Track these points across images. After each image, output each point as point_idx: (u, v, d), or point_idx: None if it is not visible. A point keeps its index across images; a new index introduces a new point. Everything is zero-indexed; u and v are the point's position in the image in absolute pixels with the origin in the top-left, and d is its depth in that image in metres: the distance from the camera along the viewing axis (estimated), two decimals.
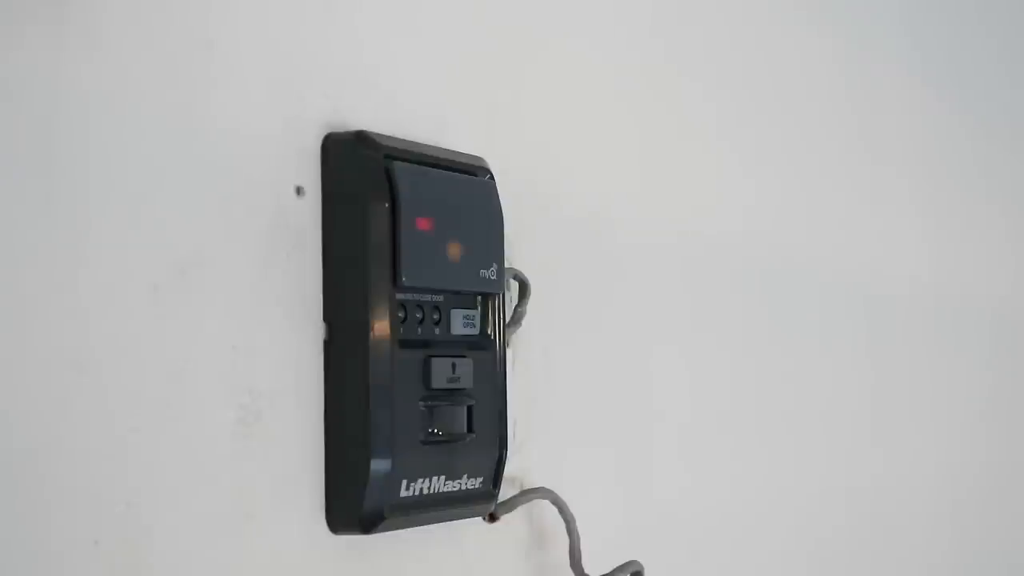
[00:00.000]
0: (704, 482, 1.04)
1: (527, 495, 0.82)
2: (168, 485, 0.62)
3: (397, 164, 0.71)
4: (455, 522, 0.77)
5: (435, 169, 0.74)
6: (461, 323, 0.76)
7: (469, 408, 0.76)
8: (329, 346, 0.70)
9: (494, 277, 0.77)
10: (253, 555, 0.66)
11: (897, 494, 1.34)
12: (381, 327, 0.70)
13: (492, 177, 0.78)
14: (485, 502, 0.78)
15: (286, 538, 0.68)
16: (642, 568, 0.88)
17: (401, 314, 0.72)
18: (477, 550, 0.81)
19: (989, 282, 1.56)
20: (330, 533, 0.70)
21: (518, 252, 0.83)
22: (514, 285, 0.82)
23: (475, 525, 0.80)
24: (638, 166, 0.98)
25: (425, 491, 0.72)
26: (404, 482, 0.71)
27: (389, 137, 0.72)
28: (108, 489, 0.60)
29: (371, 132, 0.71)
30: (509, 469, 0.79)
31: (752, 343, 1.11)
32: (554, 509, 0.84)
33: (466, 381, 0.75)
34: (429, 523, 0.75)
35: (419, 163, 0.73)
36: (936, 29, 1.46)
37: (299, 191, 0.69)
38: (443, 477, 0.74)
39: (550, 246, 0.87)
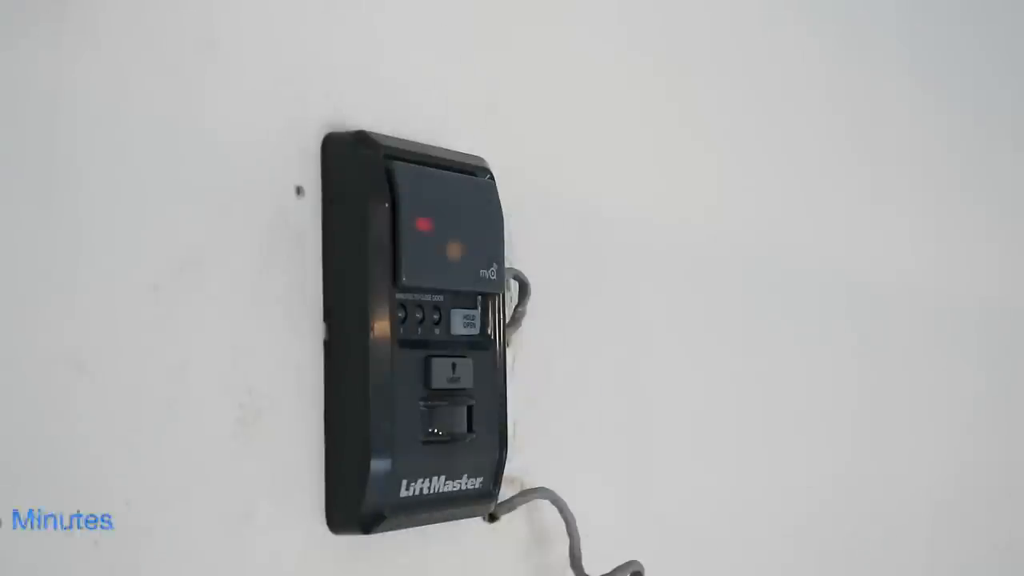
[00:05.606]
0: (704, 482, 1.04)
1: (527, 495, 0.82)
2: (168, 485, 0.62)
3: (397, 164, 0.71)
4: (455, 522, 0.77)
5: (435, 169, 0.74)
6: (461, 323, 0.76)
7: (469, 408, 0.76)
8: (329, 346, 0.70)
9: (494, 277, 0.77)
10: (253, 555, 0.66)
11: (897, 494, 1.34)
12: (381, 327, 0.70)
13: (492, 177, 0.78)
14: (485, 502, 0.78)
15: (286, 538, 0.68)
16: (642, 568, 0.87)
17: (401, 314, 0.72)
18: (477, 550, 0.81)
19: (989, 282, 1.55)
20: (330, 533, 0.70)
21: (518, 252, 0.83)
22: (514, 285, 0.82)
23: (475, 525, 0.80)
24: (639, 166, 0.98)
25: (425, 491, 0.72)
26: (404, 482, 0.71)
27: (389, 137, 0.72)
28: (108, 489, 0.60)
29: (371, 132, 0.71)
30: (509, 469, 0.79)
31: (752, 342, 1.10)
32: (554, 509, 0.84)
33: (466, 381, 0.75)
34: (429, 523, 0.75)
35: (419, 163, 0.73)
36: (936, 29, 1.46)
37: (299, 191, 0.69)
38: (443, 477, 0.74)
39: (550, 246, 0.87)
